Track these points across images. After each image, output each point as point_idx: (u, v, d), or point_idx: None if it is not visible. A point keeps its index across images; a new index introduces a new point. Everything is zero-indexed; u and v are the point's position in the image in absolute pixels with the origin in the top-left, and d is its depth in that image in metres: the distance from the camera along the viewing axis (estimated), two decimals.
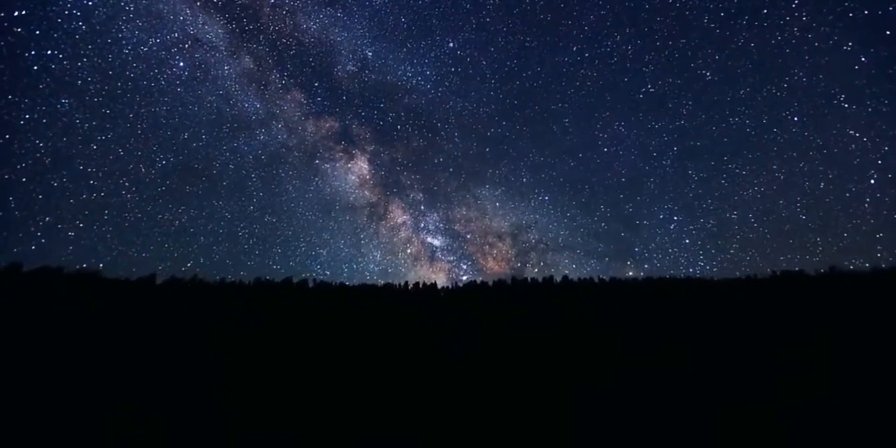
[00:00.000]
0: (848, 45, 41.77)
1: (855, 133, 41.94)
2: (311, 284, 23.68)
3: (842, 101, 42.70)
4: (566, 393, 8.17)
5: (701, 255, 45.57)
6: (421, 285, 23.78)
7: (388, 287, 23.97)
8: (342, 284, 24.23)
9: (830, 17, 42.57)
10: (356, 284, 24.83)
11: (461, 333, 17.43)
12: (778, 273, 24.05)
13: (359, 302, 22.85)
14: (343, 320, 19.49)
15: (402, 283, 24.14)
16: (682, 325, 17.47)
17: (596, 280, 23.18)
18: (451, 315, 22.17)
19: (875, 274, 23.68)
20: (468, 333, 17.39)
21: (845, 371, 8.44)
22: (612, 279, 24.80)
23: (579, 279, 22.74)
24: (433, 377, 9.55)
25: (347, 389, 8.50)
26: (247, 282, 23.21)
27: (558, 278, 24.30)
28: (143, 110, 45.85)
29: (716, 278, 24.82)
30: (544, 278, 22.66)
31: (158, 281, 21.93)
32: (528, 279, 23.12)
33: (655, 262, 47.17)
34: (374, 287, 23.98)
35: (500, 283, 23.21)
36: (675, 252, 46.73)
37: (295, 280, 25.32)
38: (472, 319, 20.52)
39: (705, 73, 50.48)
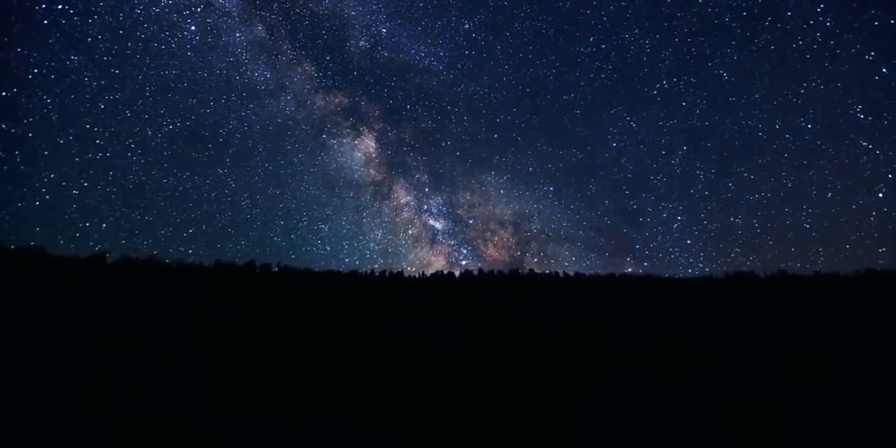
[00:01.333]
0: (870, 55, 41.15)
1: (868, 145, 41.62)
2: (275, 268, 23.13)
3: (858, 112, 42.11)
4: (512, 387, 8.29)
5: (702, 256, 46.34)
6: (388, 273, 23.66)
7: (355, 274, 23.74)
8: (307, 269, 23.80)
9: (855, 25, 41.69)
10: (322, 270, 24.46)
11: (424, 322, 17.45)
12: (731, 273, 25.34)
13: (323, 288, 22.54)
14: (306, 306, 19.17)
15: (369, 271, 23.97)
16: (641, 321, 18.06)
17: (561, 275, 23.73)
18: (418, 304, 22.19)
19: (817, 277, 25.30)
20: (431, 323, 17.43)
21: (801, 368, 8.89)
22: (577, 274, 25.43)
23: (544, 273, 23.21)
24: (392, 365, 9.50)
25: (304, 376, 8.33)
26: (206, 264, 22.43)
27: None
28: (152, 72, 44.82)
29: (665, 276, 25.85)
30: (511, 271, 22.98)
31: (110, 260, 20.86)
32: (495, 272, 23.42)
33: (655, 260, 47.85)
34: (339, 274, 23.68)
35: (466, 274, 23.38)
36: (676, 252, 47.35)
37: (259, 263, 24.69)
38: (438, 309, 20.60)
39: (722, 73, 49.01)
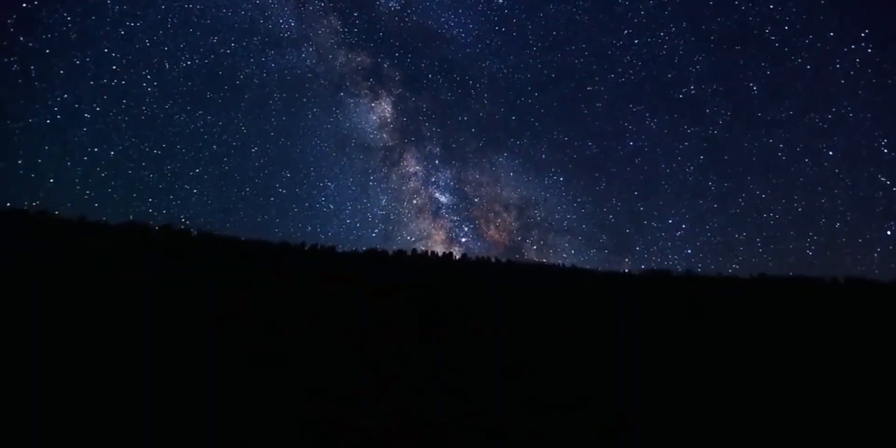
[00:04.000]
0: None
1: (886, 180, 40.73)
2: (194, 233, 21.65)
3: (882, 146, 41.05)
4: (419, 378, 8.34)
5: (699, 267, 46.51)
6: (319, 247, 22.99)
7: (284, 245, 22.83)
8: (234, 237, 22.53)
9: None
10: (251, 239, 23.27)
11: (354, 301, 17.25)
12: (650, 271, 27.31)
13: (247, 260, 21.51)
14: (224, 280, 18.24)
15: (300, 243, 23.13)
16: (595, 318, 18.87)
17: (493, 261, 24.25)
18: (346, 281, 21.90)
19: (727, 279, 27.90)
20: (356, 302, 17.26)
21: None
22: (509, 261, 26.15)
23: (477, 258, 23.63)
24: (316, 349, 9.24)
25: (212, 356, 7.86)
26: (113, 223, 20.52)
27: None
28: (175, 4, 44.06)
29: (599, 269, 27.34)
30: (444, 253, 23.15)
31: None
32: (429, 253, 23.47)
33: (653, 264, 48.22)
34: (269, 244, 22.67)
35: (399, 254, 23.26)
36: (676, 259, 47.46)
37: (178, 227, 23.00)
38: (366, 288, 20.44)
39: (752, 86, 47.06)
